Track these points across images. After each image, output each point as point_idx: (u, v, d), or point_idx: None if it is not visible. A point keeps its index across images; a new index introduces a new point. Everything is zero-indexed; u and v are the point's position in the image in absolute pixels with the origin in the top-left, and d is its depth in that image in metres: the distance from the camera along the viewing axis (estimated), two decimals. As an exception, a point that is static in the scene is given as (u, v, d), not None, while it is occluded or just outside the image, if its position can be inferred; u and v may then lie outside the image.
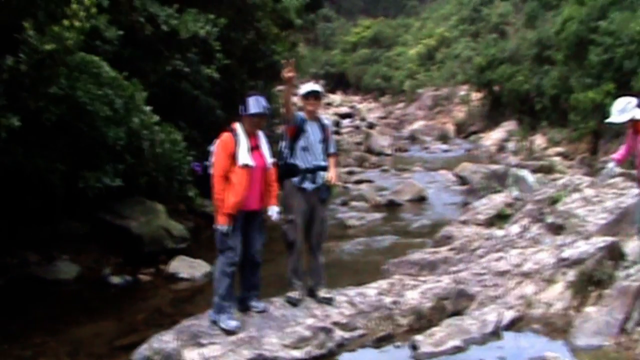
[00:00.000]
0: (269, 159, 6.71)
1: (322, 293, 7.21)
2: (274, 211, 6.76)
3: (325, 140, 7.16)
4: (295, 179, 6.93)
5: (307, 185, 6.97)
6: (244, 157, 6.43)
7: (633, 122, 7.15)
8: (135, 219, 10.65)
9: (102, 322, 8.17)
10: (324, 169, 7.06)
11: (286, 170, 6.94)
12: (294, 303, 7.04)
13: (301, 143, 6.97)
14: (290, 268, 7.11)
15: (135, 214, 10.73)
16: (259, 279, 6.92)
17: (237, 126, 6.58)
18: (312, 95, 7.05)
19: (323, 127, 7.17)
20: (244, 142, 6.48)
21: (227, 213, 6.38)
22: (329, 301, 7.16)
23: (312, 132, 7.03)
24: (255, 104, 6.49)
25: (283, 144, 7.08)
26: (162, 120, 10.29)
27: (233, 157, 6.41)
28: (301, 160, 6.96)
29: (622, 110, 7.14)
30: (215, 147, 6.54)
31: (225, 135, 6.53)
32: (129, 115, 9.49)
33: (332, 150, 7.24)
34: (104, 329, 7.90)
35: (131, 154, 9.69)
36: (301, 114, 7.06)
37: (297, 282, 7.13)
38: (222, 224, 6.41)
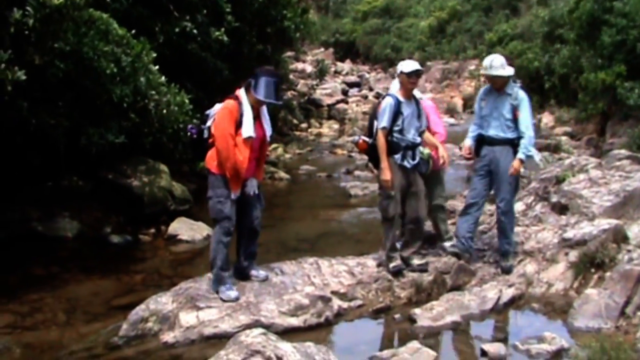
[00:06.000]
0: (269, 131, 6.61)
1: (417, 260, 7.47)
2: (253, 184, 6.58)
3: (420, 116, 7.32)
4: (397, 156, 7.08)
5: (407, 163, 7.14)
6: (248, 129, 6.27)
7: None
8: (137, 178, 10.58)
9: (100, 280, 8.15)
10: (420, 144, 7.26)
11: (389, 147, 7.03)
12: (399, 272, 7.27)
13: (398, 125, 7.07)
14: (389, 241, 7.29)
15: (138, 174, 10.66)
16: (256, 247, 6.88)
17: (243, 95, 6.39)
18: (416, 74, 7.14)
19: (417, 103, 7.32)
20: (248, 113, 6.31)
21: (236, 181, 6.33)
22: (424, 267, 7.42)
23: (408, 112, 7.16)
24: (265, 91, 6.28)
25: (375, 123, 7.15)
26: (169, 81, 10.22)
27: (237, 126, 6.27)
28: (399, 139, 7.08)
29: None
30: (220, 113, 6.36)
31: (232, 104, 6.34)
32: (135, 74, 9.40)
33: (426, 125, 7.48)
34: (101, 288, 7.88)
35: (136, 113, 9.62)
36: (395, 95, 7.14)
37: (395, 254, 7.33)
38: (235, 191, 6.34)
